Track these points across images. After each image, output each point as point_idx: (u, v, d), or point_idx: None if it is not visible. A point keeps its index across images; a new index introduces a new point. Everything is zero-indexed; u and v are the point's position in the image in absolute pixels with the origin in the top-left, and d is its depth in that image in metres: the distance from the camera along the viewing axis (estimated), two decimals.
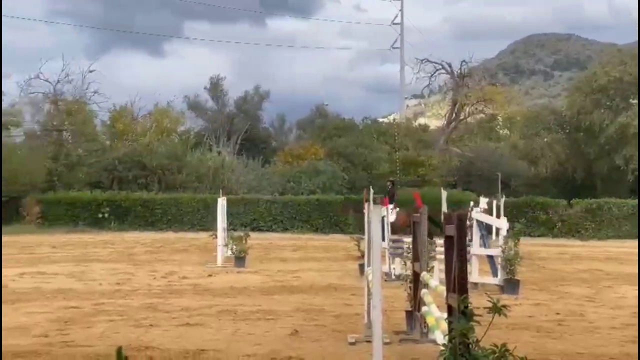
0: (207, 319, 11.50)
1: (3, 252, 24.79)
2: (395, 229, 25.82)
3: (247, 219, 36.82)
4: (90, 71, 48.16)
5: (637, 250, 24.39)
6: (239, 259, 20.04)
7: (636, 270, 18.56)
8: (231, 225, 24.22)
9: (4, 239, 31.03)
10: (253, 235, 22.09)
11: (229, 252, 20.75)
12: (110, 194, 39.27)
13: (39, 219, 37.74)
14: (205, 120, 61.68)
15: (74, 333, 10.30)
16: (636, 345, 9.39)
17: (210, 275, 18.00)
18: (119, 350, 2.23)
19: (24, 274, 17.85)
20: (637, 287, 15.56)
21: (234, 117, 60.81)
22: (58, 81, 47.29)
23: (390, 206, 26.18)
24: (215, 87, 61.94)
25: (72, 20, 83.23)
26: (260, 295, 14.49)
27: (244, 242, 20.36)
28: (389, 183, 27.15)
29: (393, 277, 16.79)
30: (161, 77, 69.76)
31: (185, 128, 55.04)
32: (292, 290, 15.14)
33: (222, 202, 22.00)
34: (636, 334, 10.21)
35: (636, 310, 12.45)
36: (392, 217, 25.60)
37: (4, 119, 47.14)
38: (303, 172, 43.53)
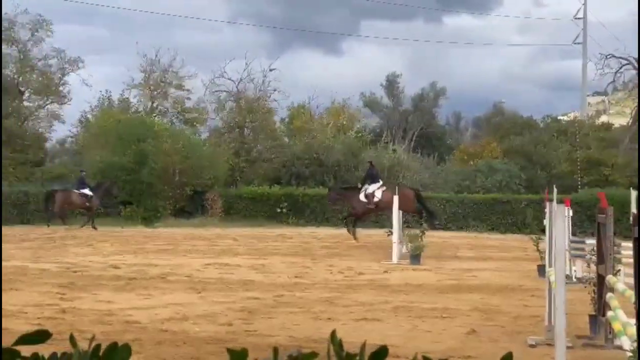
0: (384, 314, 11.60)
1: (190, 242, 26.19)
2: (382, 207, 25.27)
3: (422, 216, 36.66)
4: (271, 70, 49.67)
5: None
6: (415, 257, 20.05)
7: None
8: (406, 223, 24.23)
9: (191, 230, 32.74)
10: (427, 233, 22.01)
11: (405, 250, 20.79)
12: (288, 190, 40.36)
13: (221, 212, 39.40)
14: (381, 118, 62.10)
15: (257, 323, 10.71)
16: None
17: (386, 272, 18.12)
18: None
19: (208, 265, 18.75)
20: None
21: (409, 114, 60.81)
22: (240, 80, 49.17)
23: (377, 185, 25.62)
24: (391, 85, 62.20)
25: (253, 21, 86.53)
26: (436, 293, 14.44)
27: (419, 239, 20.35)
28: (368, 164, 27.40)
29: (574, 279, 16.20)
30: (337, 75, 70.92)
31: (361, 125, 55.63)
32: (468, 289, 14.96)
33: (398, 200, 22.10)
34: None
35: None
36: (378, 196, 25.08)
37: (191, 116, 49.66)
38: (479, 171, 42.83)
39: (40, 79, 47.54)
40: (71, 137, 51.33)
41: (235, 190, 41.05)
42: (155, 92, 49.03)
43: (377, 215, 26.95)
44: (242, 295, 13.56)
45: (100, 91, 49.83)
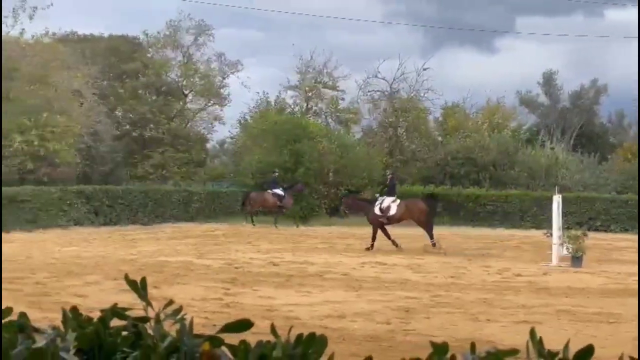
0: (545, 317, 11.27)
1: (345, 241, 26.45)
2: (395, 221, 24.36)
3: (582, 217, 35.33)
4: (424, 69, 49.38)
5: None
6: (576, 259, 19.35)
7: None
8: (566, 224, 23.43)
9: (346, 229, 33.04)
10: (589, 234, 21.18)
11: (565, 251, 20.11)
12: (442, 189, 40.01)
13: None
14: (537, 116, 60.41)
15: (415, 322, 10.69)
16: None
17: (545, 274, 17.60)
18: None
19: (364, 264, 18.88)
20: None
21: (568, 112, 58.79)
22: (394, 80, 49.22)
23: (391, 198, 24.23)
24: (548, 82, 60.35)
25: (407, 20, 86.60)
26: (600, 297, 13.88)
27: (581, 241, 19.62)
28: (389, 174, 26.55)
29: None
30: (492, 73, 69.52)
31: (516, 124, 54.34)
32: (634, 294, 14.27)
33: (557, 200, 21.40)
34: None
35: None
36: (392, 210, 24.12)
37: (345, 116, 50.18)
38: None
39: (202, 82, 49.49)
40: (230, 137, 53.14)
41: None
42: (310, 93, 49.91)
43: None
44: (398, 294, 13.57)
45: (258, 93, 51.35)
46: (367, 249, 23.00)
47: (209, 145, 53.88)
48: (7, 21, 37.19)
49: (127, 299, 1.97)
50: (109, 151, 43.82)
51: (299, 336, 1.29)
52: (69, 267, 17.06)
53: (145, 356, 1.32)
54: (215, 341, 1.34)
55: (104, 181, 39.30)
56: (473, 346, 1.30)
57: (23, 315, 1.58)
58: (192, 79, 49.33)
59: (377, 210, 24.04)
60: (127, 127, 47.52)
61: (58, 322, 1.65)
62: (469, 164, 42.72)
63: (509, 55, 72.05)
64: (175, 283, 13.76)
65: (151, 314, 1.55)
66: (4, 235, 27.08)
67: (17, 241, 24.57)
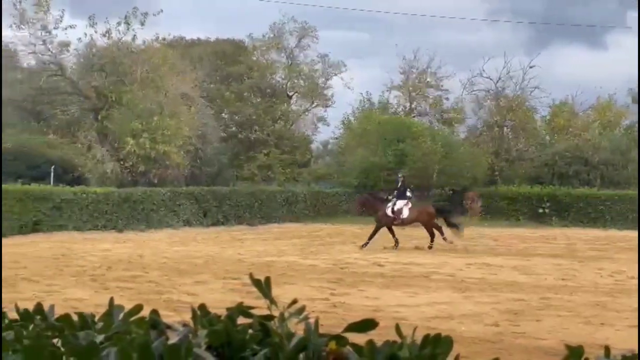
0: None
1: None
2: (406, 223, 24.34)
3: None
4: (530, 67, 48.34)
5: None
6: None
7: None
8: None
9: (449, 230, 32.58)
10: None
11: None
12: (551, 189, 39.09)
13: (481, 212, 39.03)
14: None
15: (524, 325, 10.48)
16: None
17: None
18: None
19: (470, 265, 18.65)
20: None
21: None
22: (499, 78, 48.40)
23: (404, 201, 24.21)
24: None
25: (511, 18, 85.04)
26: None
27: None
28: (400, 177, 26.11)
29: None
30: (603, 70, 67.32)
31: (629, 122, 52.51)
32: None
33: None
34: None
35: None
36: (405, 213, 24.00)
37: (449, 115, 49.66)
38: None
39: (306, 83, 49.96)
40: (334, 138, 53.43)
41: (494, 190, 40.49)
42: (414, 93, 49.64)
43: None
44: (506, 296, 13.34)
45: (361, 93, 51.52)
46: (362, 246, 23.13)
47: (313, 146, 54.33)
48: (119, 28, 38.57)
49: (236, 297, 2.01)
50: (216, 153, 44.79)
51: (426, 337, 1.30)
52: (180, 266, 17.54)
53: (274, 353, 1.36)
54: (340, 340, 1.37)
55: (212, 182, 40.21)
56: (607, 350, 1.27)
57: (154, 312, 1.65)
58: (296, 81, 49.88)
59: (389, 212, 24.16)
60: (233, 129, 48.47)
61: (172, 320, 1.71)
62: (579, 163, 41.57)
63: (620, 51, 69.57)
64: (282, 283, 13.93)
65: (274, 312, 1.59)
66: (117, 235, 28.14)
67: (129, 241, 25.45)
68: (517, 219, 38.00)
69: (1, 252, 15.98)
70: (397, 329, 1.35)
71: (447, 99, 50.03)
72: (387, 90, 50.11)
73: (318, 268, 17.62)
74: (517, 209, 38.86)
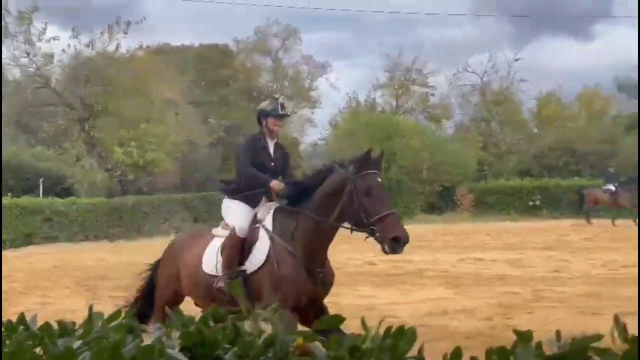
0: None
1: (442, 238, 26.28)
2: None
3: None
4: (516, 60, 48.59)
5: None
6: None
7: None
8: None
9: (442, 226, 32.81)
10: None
11: None
12: (541, 182, 39.22)
13: (472, 207, 39.14)
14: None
15: (517, 318, 10.53)
16: None
17: None
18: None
19: (463, 260, 18.71)
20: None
21: None
22: (485, 72, 48.61)
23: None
24: None
25: (495, 12, 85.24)
26: None
27: None
28: None
29: None
30: (589, 61, 67.71)
31: (617, 111, 52.76)
32: None
33: None
34: None
35: None
36: None
37: (435, 112, 49.79)
38: None
39: (292, 85, 50.03)
40: (322, 139, 53.52)
41: (484, 185, 40.59)
42: (400, 91, 49.77)
43: None
44: (499, 290, 13.39)
45: (347, 93, 51.58)
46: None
47: (301, 148, 54.37)
48: (103, 38, 38.55)
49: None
50: (205, 158, 44.77)
51: (388, 328, 1.34)
52: None
53: (245, 350, 1.40)
54: (309, 336, 1.40)
55: (201, 188, 40.19)
56: (558, 333, 1.32)
57: (132, 317, 1.69)
58: (281, 83, 49.94)
59: None
60: (221, 133, 48.46)
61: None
62: (567, 155, 41.72)
63: (604, 41, 69.94)
64: None
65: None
66: (110, 245, 28.09)
67: (122, 250, 25.38)
68: (508, 213, 38.07)
69: (1, 262, 15.91)
70: (362, 322, 1.39)
71: (433, 95, 50.22)
72: (373, 90, 50.29)
73: None
74: (507, 203, 38.94)
